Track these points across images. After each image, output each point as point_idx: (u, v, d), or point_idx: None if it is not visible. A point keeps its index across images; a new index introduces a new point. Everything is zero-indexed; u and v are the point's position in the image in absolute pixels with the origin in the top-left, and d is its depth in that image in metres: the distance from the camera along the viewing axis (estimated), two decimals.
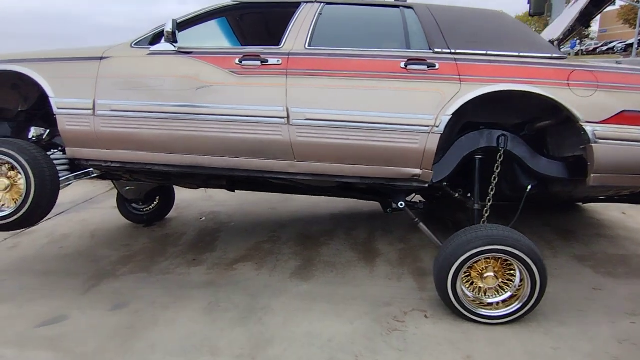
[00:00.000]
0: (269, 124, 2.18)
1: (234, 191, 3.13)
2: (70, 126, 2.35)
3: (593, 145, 2.02)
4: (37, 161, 2.26)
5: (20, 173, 2.26)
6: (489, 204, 2.33)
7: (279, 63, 2.21)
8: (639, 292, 2.36)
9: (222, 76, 2.24)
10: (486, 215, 2.32)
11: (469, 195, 2.60)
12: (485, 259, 2.04)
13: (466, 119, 2.33)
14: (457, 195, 2.59)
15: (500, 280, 2.08)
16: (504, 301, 2.08)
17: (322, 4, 2.45)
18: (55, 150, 2.57)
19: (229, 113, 2.20)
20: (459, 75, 2.12)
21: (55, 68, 2.40)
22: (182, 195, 4.02)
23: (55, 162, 2.43)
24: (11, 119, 2.73)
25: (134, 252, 3.12)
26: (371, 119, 2.12)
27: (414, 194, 2.91)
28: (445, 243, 2.13)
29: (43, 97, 2.46)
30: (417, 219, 2.46)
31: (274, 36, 2.58)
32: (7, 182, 2.30)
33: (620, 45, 27.83)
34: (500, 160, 2.31)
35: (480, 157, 2.40)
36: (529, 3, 7.32)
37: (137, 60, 2.36)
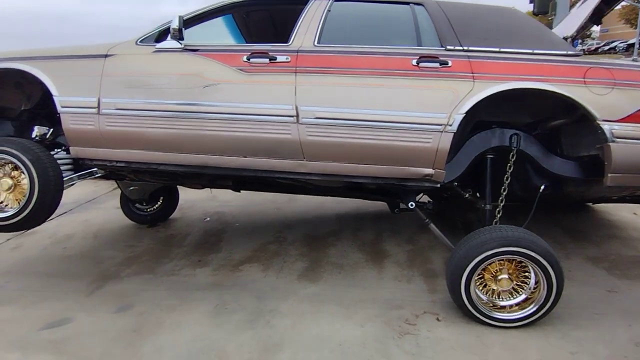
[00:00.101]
0: (278, 123, 2.13)
1: (239, 191, 3.09)
2: (75, 125, 2.30)
3: (610, 144, 1.97)
4: (41, 161, 2.21)
5: (23, 173, 2.22)
6: (501, 204, 2.28)
7: (287, 60, 2.17)
8: None
9: (229, 74, 2.19)
10: (498, 215, 2.27)
11: (477, 195, 2.56)
12: (499, 260, 1.99)
13: (477, 117, 2.28)
14: (467, 195, 2.55)
15: (515, 282, 2.03)
16: (518, 304, 2.04)
17: (331, 0, 2.41)
18: (59, 150, 2.52)
19: (236, 112, 2.15)
20: (472, 73, 2.07)
21: (59, 66, 2.35)
22: (186, 195, 3.98)
23: (58, 161, 2.38)
24: (14, 118, 2.68)
25: (138, 253, 3.08)
26: (382, 117, 2.07)
27: (421, 194, 2.86)
28: (458, 245, 2.09)
29: (46, 96, 2.41)
30: (427, 220, 2.41)
31: (281, 34, 2.54)
32: (10, 182, 2.26)
33: (621, 45, 27.78)
34: (512, 160, 2.27)
35: (491, 156, 2.35)
36: (532, 2, 7.26)
37: (142, 57, 2.32)
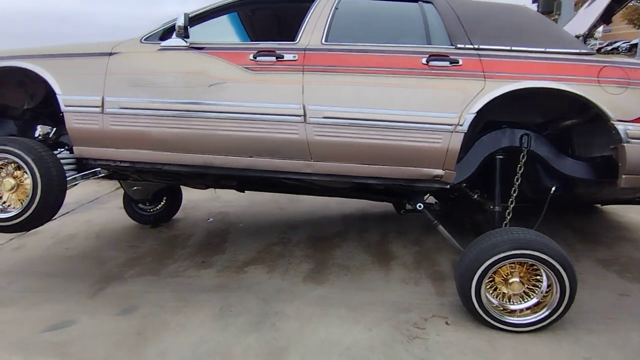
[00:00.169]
0: (285, 123, 2.09)
1: (244, 191, 3.05)
2: (78, 124, 2.27)
3: (625, 145, 1.93)
4: (44, 160, 2.18)
5: (26, 173, 2.19)
6: (511, 205, 2.24)
7: (295, 59, 2.13)
8: None
9: (235, 72, 2.15)
10: (508, 217, 2.23)
11: (485, 196, 2.51)
12: (510, 264, 1.95)
13: (487, 117, 2.24)
14: (475, 196, 2.50)
15: (526, 286, 1.99)
16: (530, 308, 1.99)
17: None
18: (62, 149, 2.49)
19: (242, 111, 2.12)
20: (483, 72, 2.03)
21: (63, 64, 2.32)
22: (189, 195, 3.94)
23: (62, 161, 2.35)
24: (17, 117, 2.65)
25: (141, 253, 3.04)
26: (391, 117, 2.03)
27: (427, 195, 2.82)
28: (468, 247, 2.05)
29: (50, 94, 2.38)
30: (435, 222, 2.37)
31: (287, 32, 2.51)
32: (13, 182, 2.22)
33: (624, 45, 27.69)
34: (523, 161, 2.22)
35: (501, 157, 2.31)
36: (535, 1, 7.18)
37: (147, 56, 2.28)
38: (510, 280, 1.97)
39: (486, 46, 2.10)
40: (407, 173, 2.11)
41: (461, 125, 2.00)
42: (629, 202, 2.88)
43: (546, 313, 1.94)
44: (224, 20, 2.72)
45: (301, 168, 2.16)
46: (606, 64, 2.01)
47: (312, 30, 2.22)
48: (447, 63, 2.06)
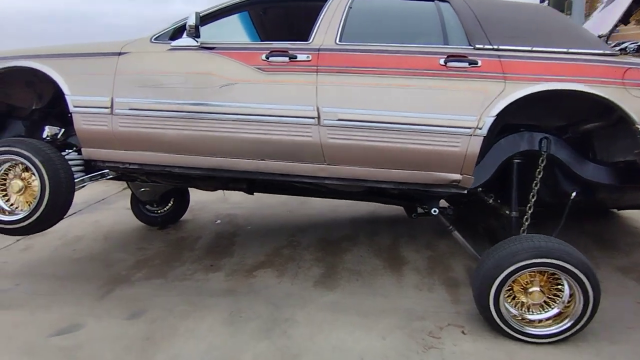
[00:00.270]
0: (298, 125, 2.04)
1: (252, 194, 3.00)
2: (87, 125, 2.23)
3: None
4: (52, 162, 2.15)
5: (34, 174, 2.16)
6: (530, 211, 2.17)
7: (308, 59, 2.07)
8: None
9: (247, 73, 2.10)
10: (526, 223, 2.16)
11: (499, 200, 2.44)
12: (529, 272, 1.89)
13: (505, 120, 2.17)
14: (490, 201, 2.44)
15: (547, 295, 1.93)
16: (550, 318, 1.93)
17: None
18: (70, 150, 2.46)
19: (254, 112, 2.07)
20: (503, 73, 1.96)
21: (72, 64, 2.28)
22: (197, 196, 3.91)
23: (70, 162, 2.32)
24: (25, 117, 2.62)
25: (149, 256, 3.01)
26: (408, 119, 1.97)
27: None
28: (485, 255, 1.98)
29: (58, 95, 2.35)
30: (451, 227, 2.31)
31: (298, 32, 2.45)
32: (20, 183, 2.19)
33: (632, 45, 27.41)
34: (542, 165, 2.15)
35: (518, 161, 2.24)
36: (542, 1, 7.05)
37: (157, 56, 2.24)
38: (530, 290, 1.91)
39: (506, 46, 2.03)
40: (423, 177, 2.05)
41: (480, 129, 1.94)
42: None
43: (569, 324, 1.87)
44: (234, 20, 2.67)
45: (314, 172, 2.11)
46: (631, 66, 1.94)
47: (326, 29, 2.17)
48: (465, 64, 2.00)
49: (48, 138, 2.45)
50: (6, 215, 2.20)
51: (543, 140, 2.17)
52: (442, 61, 2.01)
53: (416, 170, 2.04)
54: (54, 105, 2.56)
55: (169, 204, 3.58)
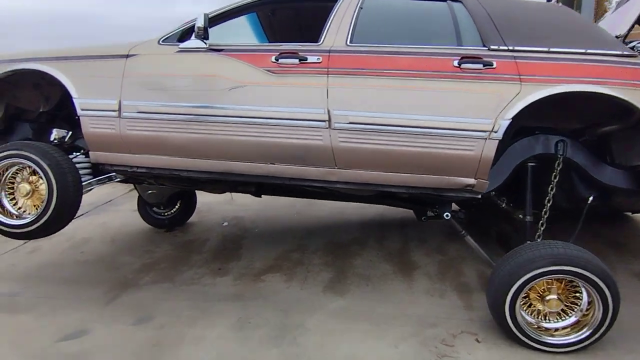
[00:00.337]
0: (308, 128, 2.00)
1: (260, 196, 2.97)
2: (95, 129, 2.21)
3: None
4: (60, 166, 2.12)
5: (41, 178, 2.14)
6: (545, 216, 2.12)
7: (319, 61, 2.03)
8: None
9: (257, 75, 2.07)
10: (542, 229, 2.10)
11: (511, 204, 2.39)
12: (547, 279, 1.83)
13: (519, 122, 2.11)
14: (503, 204, 2.38)
15: (564, 303, 1.87)
16: (568, 327, 1.87)
17: None
18: (78, 153, 2.44)
19: (264, 115, 2.03)
20: (519, 75, 1.91)
21: (79, 66, 2.26)
22: (204, 198, 3.88)
23: (77, 165, 2.29)
24: (32, 120, 2.61)
25: (156, 259, 2.99)
26: (420, 123, 1.93)
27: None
28: (501, 261, 1.93)
29: (65, 97, 2.33)
30: (463, 232, 2.26)
31: (307, 33, 2.41)
32: (28, 187, 2.18)
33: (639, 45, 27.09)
34: (558, 169, 2.10)
35: (533, 164, 2.19)
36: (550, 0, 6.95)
37: (165, 58, 2.21)
38: (548, 297, 1.85)
39: (522, 47, 1.98)
40: (437, 182, 2.00)
41: (495, 132, 1.89)
42: None
43: (587, 333, 1.82)
44: (242, 21, 2.64)
45: (325, 176, 2.07)
46: None
47: (337, 30, 2.13)
48: (480, 66, 1.94)
49: (55, 141, 2.44)
50: (14, 219, 2.18)
51: (559, 143, 2.11)
52: (455, 63, 1.96)
53: (429, 175, 1.99)
54: (61, 108, 2.54)
55: (176, 206, 3.56)
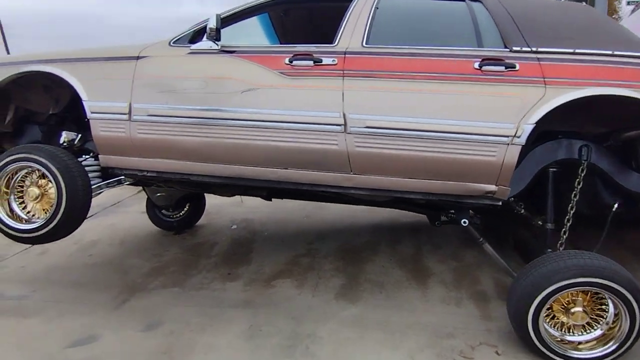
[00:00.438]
0: (323, 132, 1.94)
1: (271, 200, 2.92)
2: (105, 132, 2.17)
3: None
4: (69, 169, 2.09)
5: (51, 182, 2.10)
6: (568, 224, 2.04)
7: (334, 63, 1.97)
8: None
9: (270, 78, 2.01)
10: (564, 237, 2.03)
11: (525, 208, 2.30)
12: (571, 291, 1.76)
13: (541, 127, 2.04)
14: (522, 210, 2.30)
15: (590, 316, 1.79)
16: (592, 340, 1.80)
17: None
18: (87, 156, 2.40)
19: (277, 119, 1.98)
20: (544, 78, 1.83)
21: (89, 68, 2.22)
22: (212, 200, 3.84)
23: (87, 169, 2.26)
24: (41, 122, 2.58)
25: (165, 262, 2.95)
26: (439, 127, 1.86)
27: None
28: (523, 272, 1.86)
29: (75, 99, 2.29)
30: (481, 239, 2.19)
31: (321, 34, 2.35)
32: (37, 191, 2.14)
33: None
34: (582, 175, 2.02)
35: (554, 169, 2.11)
36: None
37: (176, 60, 2.16)
38: (573, 310, 1.78)
39: (546, 49, 1.90)
40: (456, 188, 1.93)
41: (518, 137, 1.81)
42: None
43: (614, 347, 1.74)
44: (252, 22, 2.58)
45: (340, 181, 2.01)
46: None
47: (352, 31, 2.06)
48: (502, 68, 1.87)
49: (65, 144, 2.40)
50: (23, 223, 2.15)
51: (583, 148, 2.03)
52: (476, 65, 1.89)
53: (448, 181, 1.92)
54: (71, 110, 2.51)
55: (185, 209, 3.52)
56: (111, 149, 2.21)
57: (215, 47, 2.10)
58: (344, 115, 1.92)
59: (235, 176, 2.11)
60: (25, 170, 2.17)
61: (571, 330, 1.82)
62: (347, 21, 2.10)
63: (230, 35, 2.22)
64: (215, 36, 2.05)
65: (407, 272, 2.70)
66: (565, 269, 1.71)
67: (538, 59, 1.88)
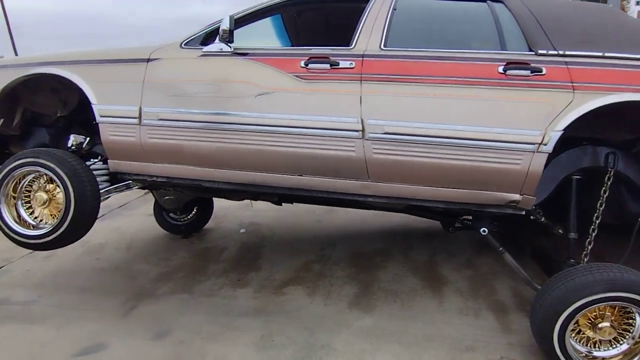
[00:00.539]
0: (340, 138, 1.87)
1: (281, 204, 2.86)
2: (114, 136, 2.11)
3: None
4: (78, 174, 2.04)
5: (59, 186, 2.05)
6: (593, 234, 1.96)
7: (351, 66, 1.90)
8: None
9: (285, 81, 1.94)
10: (589, 247, 1.95)
11: (541, 216, 2.22)
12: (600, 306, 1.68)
13: (566, 133, 1.96)
14: (542, 218, 2.22)
15: (617, 331, 1.72)
16: (617, 356, 1.73)
17: None
18: (96, 160, 2.35)
19: (292, 124, 1.91)
20: (572, 82, 1.76)
21: (98, 71, 2.17)
22: (220, 203, 3.76)
23: (95, 172, 2.20)
24: (49, 125, 2.53)
25: (173, 267, 2.90)
26: (462, 134, 1.78)
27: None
28: (547, 285, 1.78)
29: (83, 101, 2.24)
30: (501, 249, 2.11)
31: (336, 36, 2.28)
32: (45, 196, 2.09)
33: None
34: (609, 183, 1.94)
35: (578, 177, 2.03)
36: None
37: (188, 62, 2.10)
38: (600, 325, 1.70)
39: (574, 52, 1.81)
40: (478, 197, 1.86)
41: (545, 145, 1.73)
42: None
43: None
44: (264, 23, 2.51)
45: (357, 189, 1.94)
46: None
47: (369, 33, 1.99)
48: (527, 72, 1.79)
49: (73, 147, 2.35)
50: (31, 229, 2.10)
51: (610, 156, 1.95)
52: (500, 69, 1.81)
53: (470, 190, 1.85)
54: (79, 112, 2.46)
55: (193, 212, 3.47)
56: (121, 153, 2.16)
57: (228, 49, 2.04)
58: (361, 120, 1.85)
59: (247, 182, 2.04)
60: (33, 175, 2.12)
61: (597, 345, 1.75)
62: (364, 23, 2.03)
63: (242, 37, 2.16)
64: (228, 38, 1.98)
65: (421, 280, 2.63)
66: (595, 282, 1.64)
67: (566, 63, 1.80)
